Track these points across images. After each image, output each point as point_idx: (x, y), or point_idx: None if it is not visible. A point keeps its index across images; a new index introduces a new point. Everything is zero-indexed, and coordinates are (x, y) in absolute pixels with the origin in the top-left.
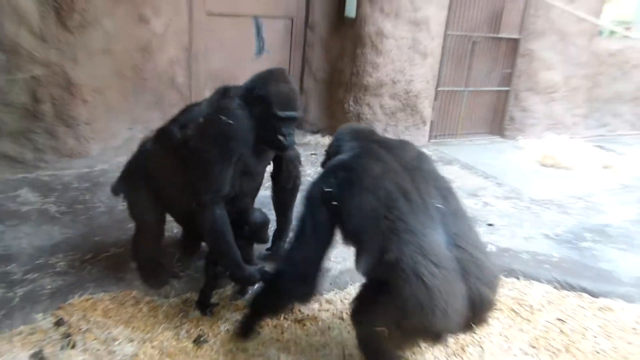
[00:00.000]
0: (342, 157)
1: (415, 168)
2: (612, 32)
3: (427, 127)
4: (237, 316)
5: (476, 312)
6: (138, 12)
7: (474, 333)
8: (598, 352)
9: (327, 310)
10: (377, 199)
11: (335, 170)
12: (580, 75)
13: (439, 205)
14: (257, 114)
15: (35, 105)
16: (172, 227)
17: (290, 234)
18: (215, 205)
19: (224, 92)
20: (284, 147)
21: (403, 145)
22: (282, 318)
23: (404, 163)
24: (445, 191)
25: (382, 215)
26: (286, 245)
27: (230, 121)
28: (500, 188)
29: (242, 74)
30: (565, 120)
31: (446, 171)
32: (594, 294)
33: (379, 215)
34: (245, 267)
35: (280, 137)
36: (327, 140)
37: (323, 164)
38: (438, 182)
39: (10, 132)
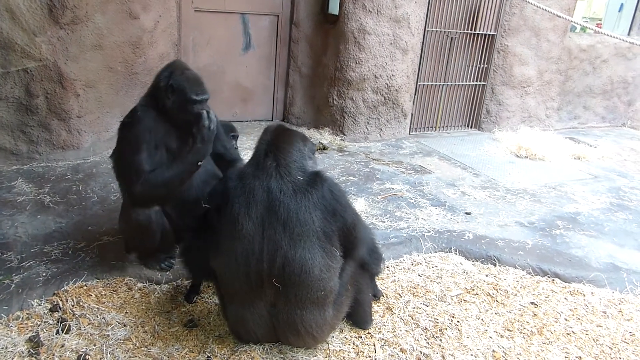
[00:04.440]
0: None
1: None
2: (583, 29)
3: (408, 120)
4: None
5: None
6: (128, 8)
7: (453, 316)
8: (569, 334)
9: None
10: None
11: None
12: (553, 70)
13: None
14: (172, 103)
15: (29, 99)
16: None
17: None
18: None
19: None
20: (207, 129)
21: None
22: None
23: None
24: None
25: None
26: None
27: (128, 119)
28: (477, 178)
29: (229, 69)
30: (538, 113)
31: (425, 162)
32: (565, 279)
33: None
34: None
35: (204, 119)
36: (312, 132)
37: None
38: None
39: (4, 125)
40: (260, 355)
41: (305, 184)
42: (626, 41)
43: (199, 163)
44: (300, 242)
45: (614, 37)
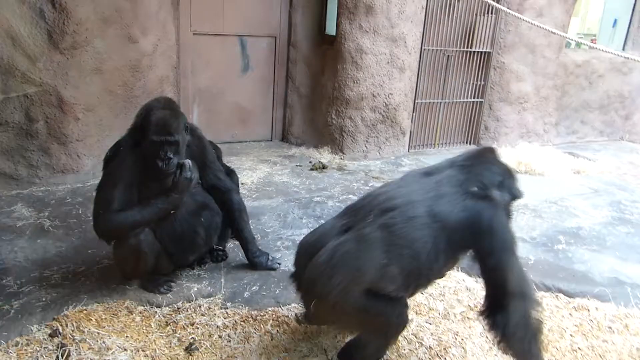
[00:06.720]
0: None
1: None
2: (578, 44)
3: (407, 138)
4: (228, 324)
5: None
6: (127, 32)
7: (457, 334)
8: (575, 351)
9: None
10: None
11: None
12: (549, 86)
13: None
14: (143, 142)
15: (29, 124)
16: None
17: None
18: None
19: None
20: (162, 172)
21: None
22: (269, 325)
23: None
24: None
25: None
26: None
27: (111, 153)
28: None
29: (228, 90)
30: (536, 129)
31: None
32: (569, 294)
33: None
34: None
35: (159, 162)
36: (311, 152)
37: None
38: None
39: (4, 150)
40: None
41: (473, 194)
42: (621, 56)
43: (171, 212)
44: (417, 218)
45: (608, 52)
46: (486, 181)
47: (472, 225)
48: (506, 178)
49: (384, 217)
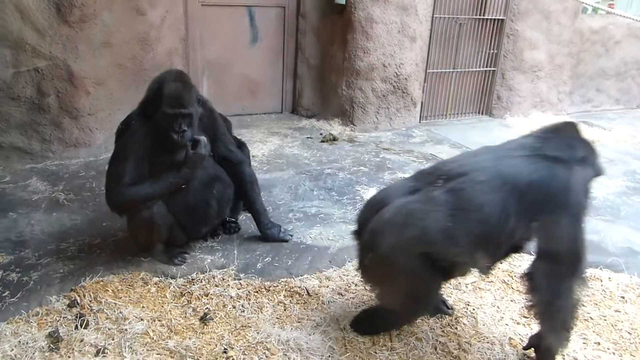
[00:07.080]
0: None
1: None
2: (595, 10)
3: (418, 109)
4: (242, 295)
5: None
6: (135, 4)
7: (468, 304)
8: (587, 320)
9: (327, 286)
10: None
11: None
12: (564, 53)
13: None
14: (156, 115)
15: (41, 98)
16: None
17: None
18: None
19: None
20: (176, 145)
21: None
22: (282, 296)
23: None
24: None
25: None
26: None
27: (122, 126)
28: None
29: (237, 62)
30: (550, 98)
31: (436, 150)
32: None
33: None
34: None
35: (173, 134)
36: (321, 124)
37: None
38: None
39: (18, 125)
40: (276, 347)
41: (549, 157)
42: (639, 21)
43: (183, 186)
44: (486, 182)
45: (626, 17)
46: (565, 154)
47: (544, 186)
48: (589, 153)
49: (453, 182)
